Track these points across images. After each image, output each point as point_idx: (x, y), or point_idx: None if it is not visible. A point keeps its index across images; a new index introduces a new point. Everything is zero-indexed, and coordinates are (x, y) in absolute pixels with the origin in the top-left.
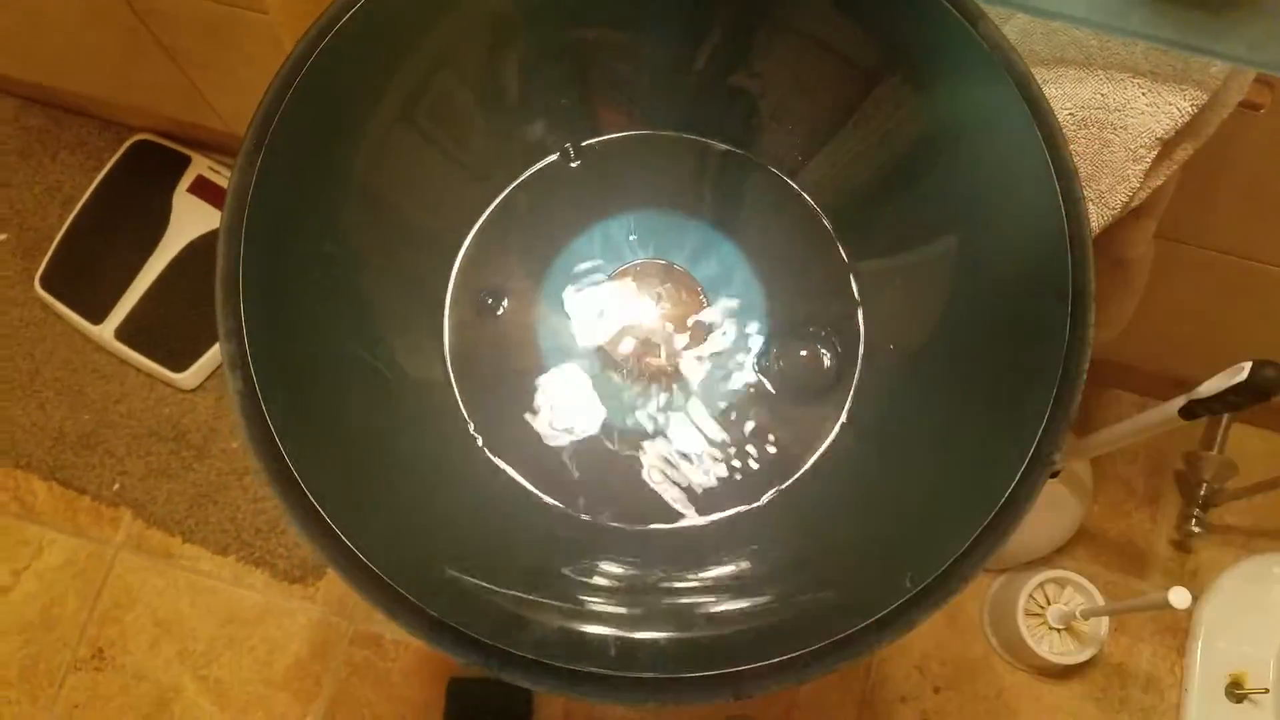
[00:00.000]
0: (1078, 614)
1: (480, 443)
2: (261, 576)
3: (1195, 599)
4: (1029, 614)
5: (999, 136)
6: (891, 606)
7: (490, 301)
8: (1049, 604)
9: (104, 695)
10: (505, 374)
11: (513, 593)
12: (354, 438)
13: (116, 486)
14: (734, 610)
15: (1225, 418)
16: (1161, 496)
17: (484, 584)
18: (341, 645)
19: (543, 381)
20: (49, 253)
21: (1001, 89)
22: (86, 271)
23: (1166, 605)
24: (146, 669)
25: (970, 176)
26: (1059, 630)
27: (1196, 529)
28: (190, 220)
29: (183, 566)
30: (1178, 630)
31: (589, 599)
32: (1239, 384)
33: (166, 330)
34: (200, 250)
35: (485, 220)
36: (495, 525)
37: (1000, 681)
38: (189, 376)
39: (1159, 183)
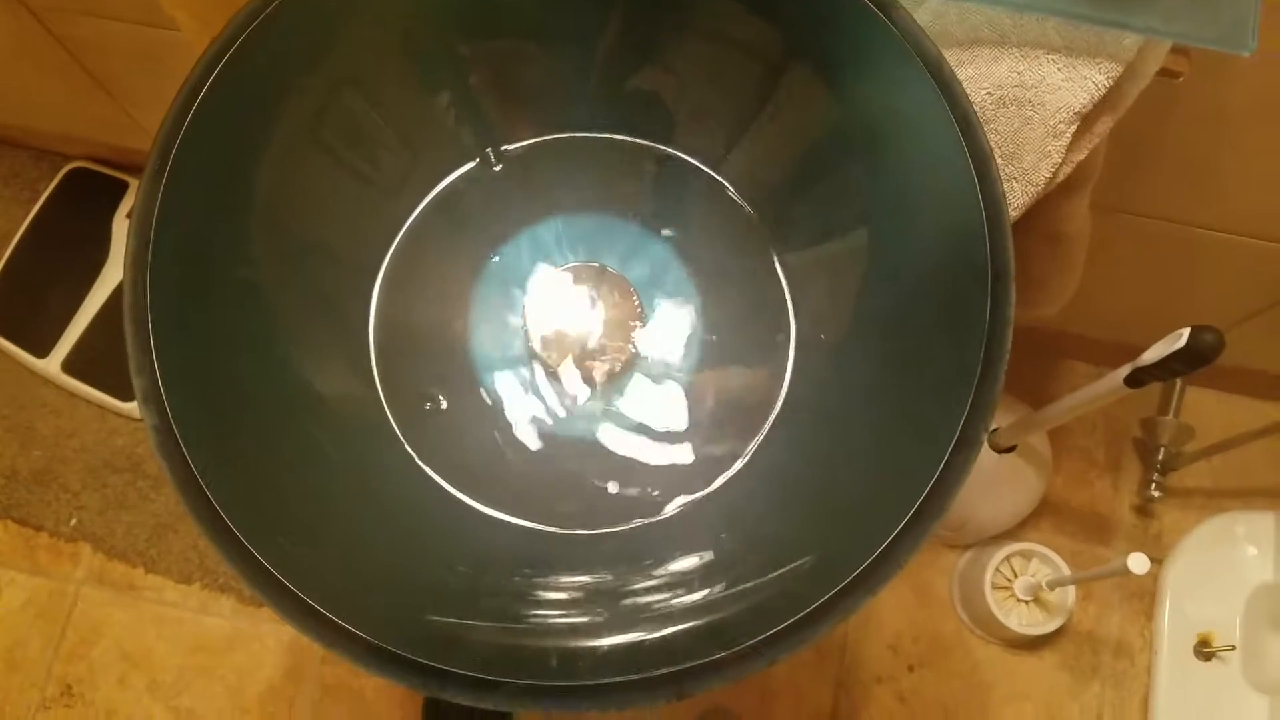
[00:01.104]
0: (1044, 585)
1: (415, 459)
2: (228, 602)
3: (1158, 563)
4: (996, 588)
5: (913, 123)
6: (825, 597)
7: (416, 318)
8: (1016, 577)
9: None
10: (436, 386)
11: (449, 618)
12: (280, 465)
13: (74, 521)
14: (674, 609)
15: (1178, 382)
16: (1122, 464)
17: (421, 606)
18: (313, 666)
19: (478, 391)
20: None
21: (913, 74)
22: (28, 305)
23: (1126, 571)
24: (117, 704)
25: (886, 164)
26: (1027, 602)
27: (1157, 494)
28: None
29: (147, 598)
30: (1144, 595)
31: (529, 611)
32: (1179, 350)
33: (114, 360)
34: None
35: (404, 237)
36: (432, 543)
37: (973, 656)
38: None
39: (1081, 156)
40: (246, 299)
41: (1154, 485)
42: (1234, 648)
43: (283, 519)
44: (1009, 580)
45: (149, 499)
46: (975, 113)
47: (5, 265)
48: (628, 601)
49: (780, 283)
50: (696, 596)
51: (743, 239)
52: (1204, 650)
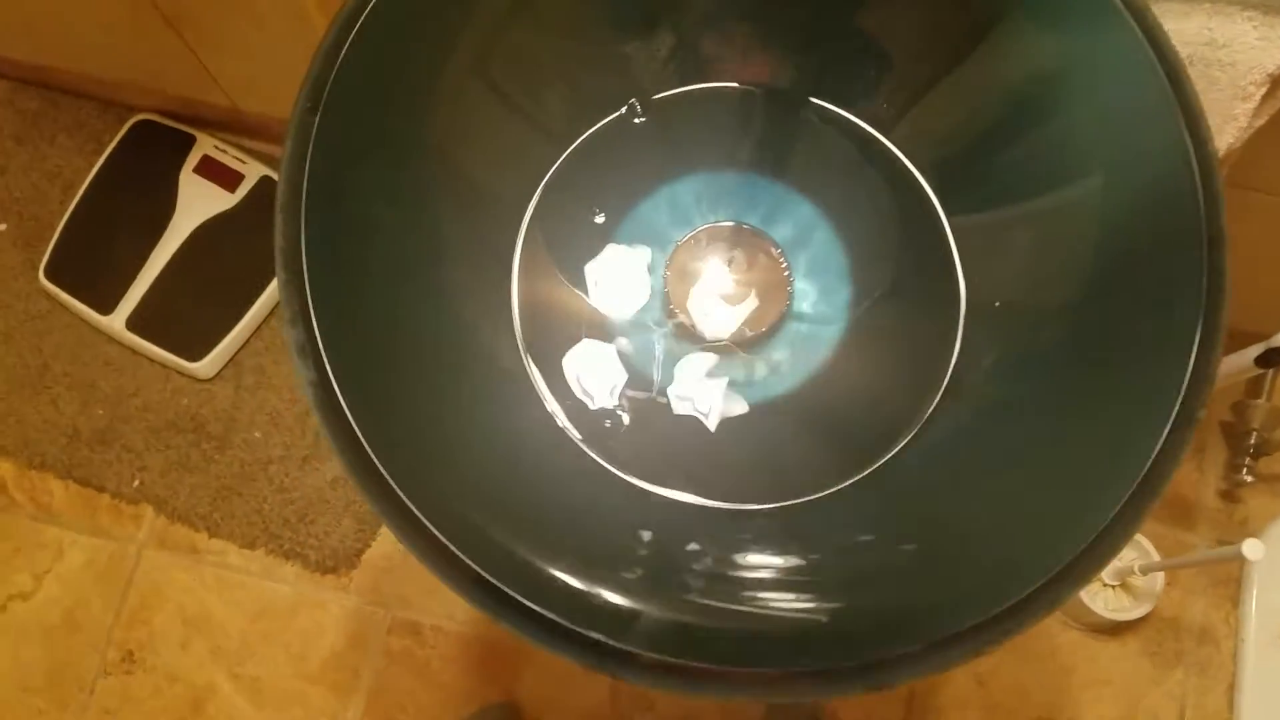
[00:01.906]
0: (1135, 569)
1: (559, 422)
2: (292, 569)
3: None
4: None
5: (1114, 79)
6: (1036, 585)
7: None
8: None
9: (136, 699)
10: (575, 343)
11: (628, 599)
12: (429, 417)
13: (136, 483)
14: (855, 592)
15: (1273, 368)
16: (1207, 448)
17: (597, 576)
18: (378, 635)
19: (615, 351)
20: (52, 242)
21: (1117, 24)
22: (92, 260)
23: (1239, 557)
24: (179, 670)
25: (1084, 122)
26: (1113, 587)
27: (1248, 478)
28: (198, 202)
29: (210, 562)
30: (1230, 581)
31: (703, 588)
32: None
33: (179, 318)
34: (210, 233)
35: (550, 179)
36: (605, 520)
37: (1054, 640)
38: (205, 365)
39: (1261, 122)
40: (396, 241)
41: (1245, 470)
42: None
43: (433, 471)
44: None
45: (213, 461)
46: (1184, 64)
47: (69, 219)
48: (801, 579)
49: (949, 245)
50: (879, 577)
51: (905, 201)
52: None
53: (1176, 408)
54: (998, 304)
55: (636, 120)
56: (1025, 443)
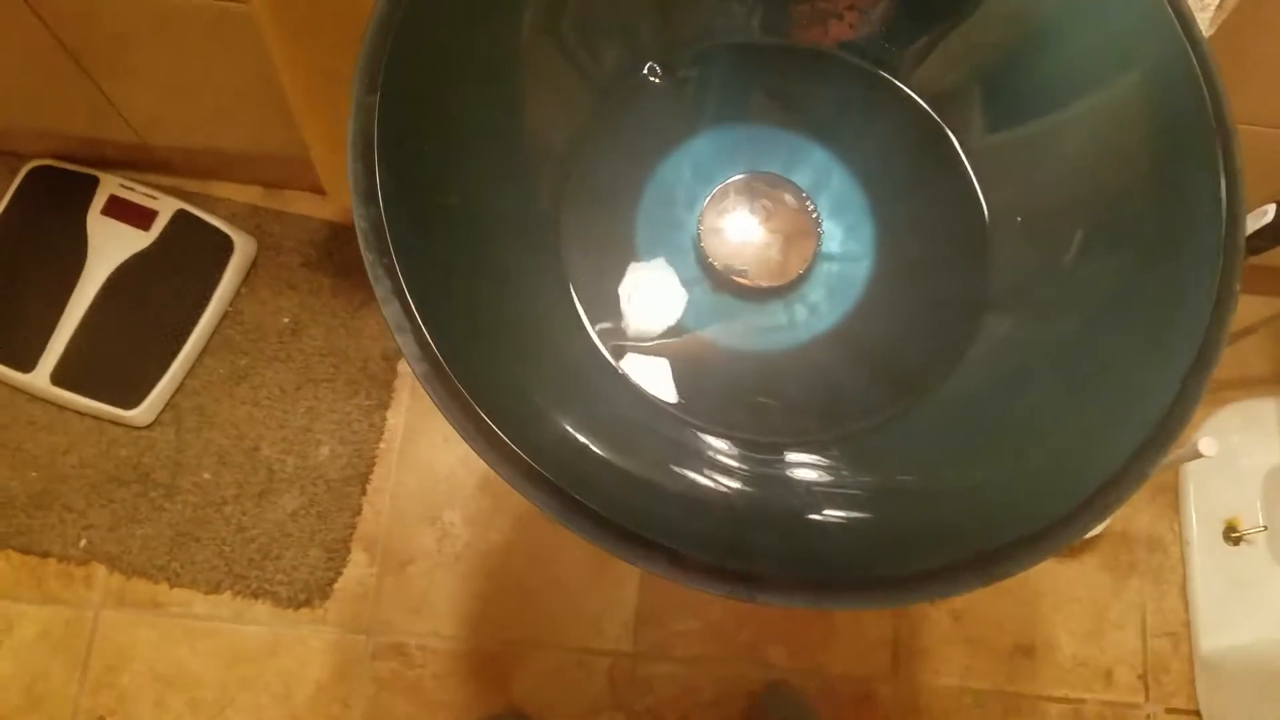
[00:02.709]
0: None
1: (632, 380)
2: (264, 608)
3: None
4: None
5: (1107, 3)
6: (1116, 466)
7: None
8: None
9: None
10: (625, 300)
11: (738, 531)
12: (522, 386)
13: (83, 543)
14: (942, 501)
15: None
16: None
17: (709, 517)
18: (364, 662)
19: (664, 307)
20: None
21: None
22: (4, 318)
23: (1197, 454)
24: None
25: (1086, 43)
26: None
27: None
28: (110, 244)
29: (174, 613)
30: (1168, 490)
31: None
32: (1266, 226)
33: (107, 366)
34: (128, 275)
35: (589, 134)
36: (678, 458)
37: None
38: (142, 412)
39: (1211, 33)
40: (468, 204)
41: None
42: (1265, 528)
43: (518, 403)
44: None
45: (163, 509)
46: None
47: None
48: (891, 495)
49: (965, 169)
50: (956, 486)
51: (917, 133)
52: (1232, 535)
53: (1217, 283)
54: (1019, 219)
55: (656, 80)
56: (1071, 345)
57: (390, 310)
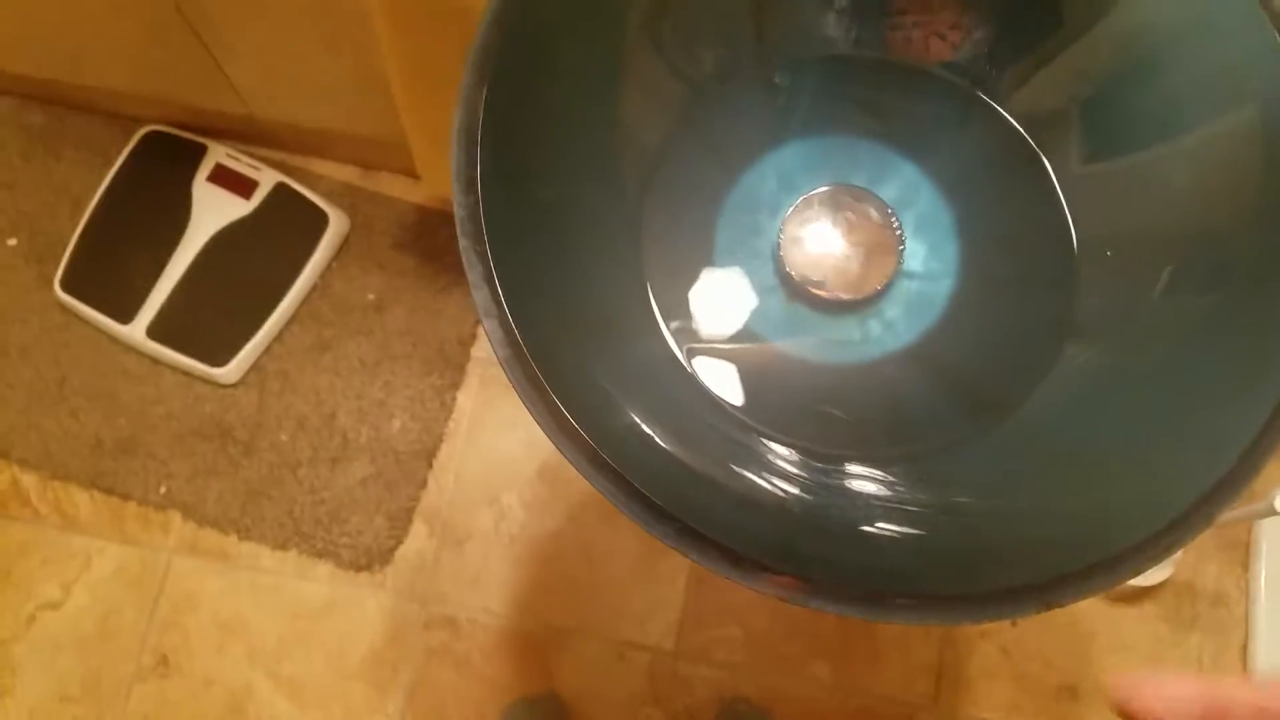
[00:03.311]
0: None
1: (700, 381)
2: (326, 568)
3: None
4: None
5: (1222, 31)
6: (1189, 503)
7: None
8: None
9: (173, 702)
10: (700, 304)
11: (795, 540)
12: (599, 376)
13: (163, 490)
14: (1011, 526)
15: None
16: None
17: (766, 523)
18: (416, 630)
19: (738, 313)
20: (66, 254)
21: None
22: (109, 271)
23: (1273, 511)
24: (215, 672)
25: (1194, 77)
26: None
27: None
28: (213, 210)
29: (241, 566)
30: (1239, 545)
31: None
32: None
33: (200, 325)
34: (227, 240)
35: (679, 136)
36: (741, 462)
37: (1075, 609)
38: (230, 371)
39: None
40: (561, 202)
41: None
42: None
43: (602, 407)
44: None
45: (240, 465)
46: None
47: (83, 231)
48: (953, 515)
49: (1059, 199)
50: (1018, 511)
51: (1009, 157)
52: None
53: None
54: (1109, 253)
55: (770, 84)
56: (1148, 379)
57: (480, 295)
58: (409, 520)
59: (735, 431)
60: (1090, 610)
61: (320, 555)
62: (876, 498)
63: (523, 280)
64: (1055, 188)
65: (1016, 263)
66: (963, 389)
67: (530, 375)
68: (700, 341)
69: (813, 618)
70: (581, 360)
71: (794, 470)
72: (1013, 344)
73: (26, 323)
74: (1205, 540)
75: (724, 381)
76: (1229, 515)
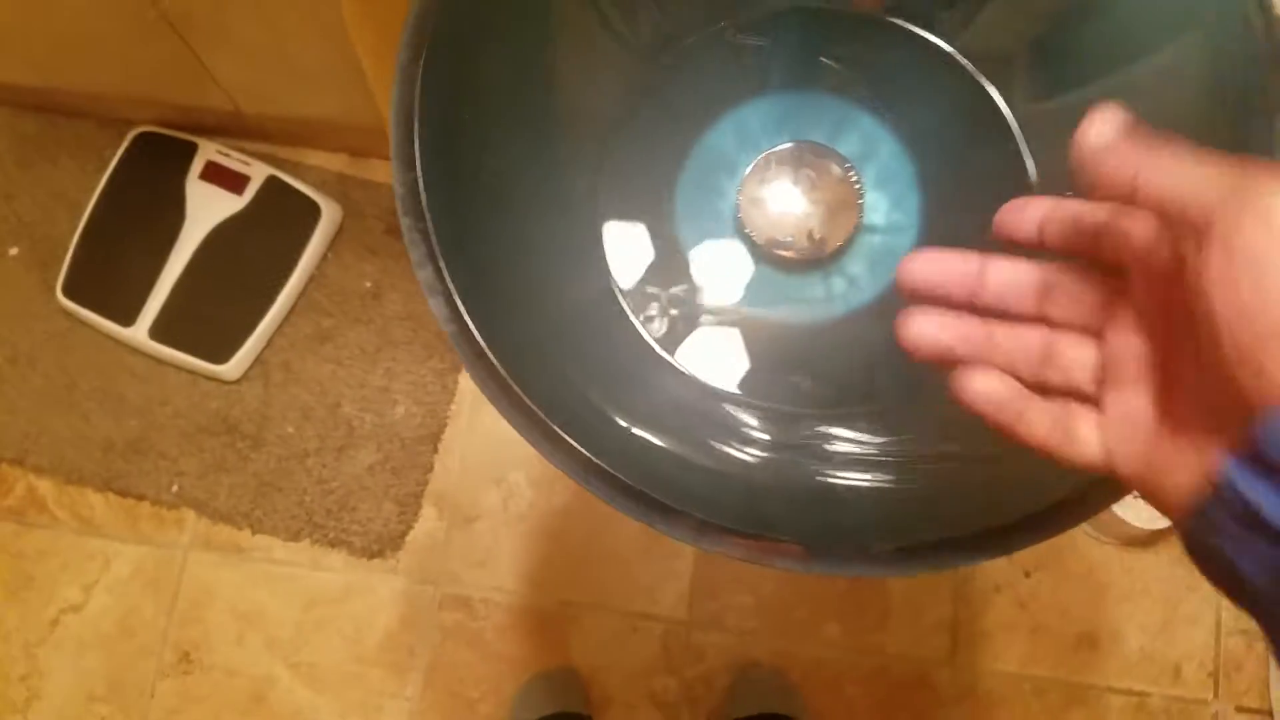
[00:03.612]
0: None
1: (658, 351)
2: (339, 556)
3: None
4: None
5: None
6: None
7: (632, 205)
8: None
9: (197, 697)
10: (660, 271)
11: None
12: (542, 341)
13: (175, 488)
14: (968, 473)
15: None
16: None
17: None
18: (430, 612)
19: (700, 278)
20: (66, 260)
21: None
22: (109, 274)
23: None
24: (236, 664)
25: (1137, 6)
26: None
27: None
28: (207, 207)
29: (256, 558)
30: None
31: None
32: None
33: (202, 323)
34: (223, 236)
35: (633, 99)
36: (705, 430)
37: (1089, 557)
38: (232, 367)
39: None
40: (505, 170)
41: None
42: None
43: (556, 394)
44: None
45: (249, 459)
46: None
47: (81, 236)
48: (918, 466)
49: (1016, 138)
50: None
51: (967, 101)
52: None
53: None
54: (1069, 193)
55: (703, 47)
56: None
57: (423, 274)
58: (418, 504)
59: (700, 399)
60: (1104, 557)
61: (333, 544)
62: (845, 455)
63: (469, 258)
64: (1012, 129)
65: (980, 209)
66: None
67: (478, 351)
68: (661, 310)
69: (822, 581)
70: (534, 334)
71: (762, 435)
72: None
73: (32, 330)
74: None
75: (686, 348)
76: None
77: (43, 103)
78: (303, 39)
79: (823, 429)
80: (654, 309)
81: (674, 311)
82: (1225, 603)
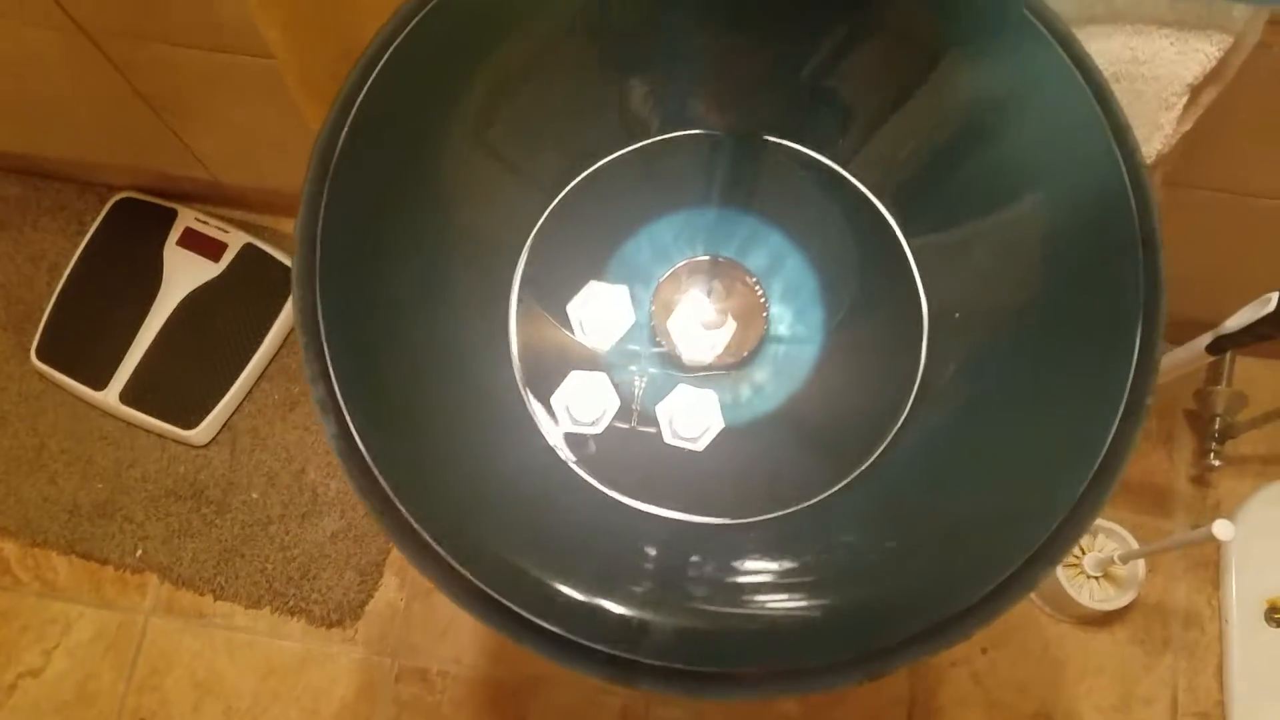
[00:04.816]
0: (1115, 559)
1: (571, 463)
2: (298, 625)
3: None
4: (1066, 565)
5: (1048, 100)
6: (1013, 568)
7: (546, 327)
8: (1084, 553)
9: None
10: (564, 377)
11: (636, 610)
12: (441, 457)
13: (139, 552)
14: (845, 590)
15: (1229, 353)
16: (1174, 436)
17: (607, 592)
18: (387, 684)
19: (605, 383)
20: (42, 323)
21: (1047, 52)
22: (83, 337)
23: (1211, 538)
24: None
25: (1024, 143)
26: (1097, 578)
27: (1216, 463)
28: (183, 274)
29: (217, 625)
30: (1209, 564)
31: (707, 596)
32: (1268, 315)
33: (172, 388)
34: (197, 303)
35: (541, 227)
36: (598, 533)
37: (1045, 635)
38: (200, 432)
39: (1187, 128)
40: (406, 298)
41: (1212, 454)
42: None
43: (455, 514)
44: (1077, 557)
45: (214, 525)
46: (1109, 85)
47: (57, 299)
48: (798, 581)
49: (909, 263)
50: (870, 573)
51: (866, 225)
52: (1275, 616)
53: (1126, 397)
54: (957, 315)
55: (619, 169)
56: (993, 439)
57: (316, 389)
58: (379, 573)
59: (607, 512)
60: (1060, 636)
61: (293, 612)
62: (754, 566)
63: (364, 375)
64: (906, 255)
65: (876, 326)
66: (827, 448)
67: (363, 468)
68: (570, 420)
69: None
70: (434, 450)
71: (666, 546)
72: (870, 407)
73: (5, 391)
74: (1173, 560)
75: (595, 460)
76: (1175, 539)
77: (24, 166)
78: (276, 116)
79: (732, 537)
80: (562, 420)
81: (584, 423)
82: (1181, 684)
